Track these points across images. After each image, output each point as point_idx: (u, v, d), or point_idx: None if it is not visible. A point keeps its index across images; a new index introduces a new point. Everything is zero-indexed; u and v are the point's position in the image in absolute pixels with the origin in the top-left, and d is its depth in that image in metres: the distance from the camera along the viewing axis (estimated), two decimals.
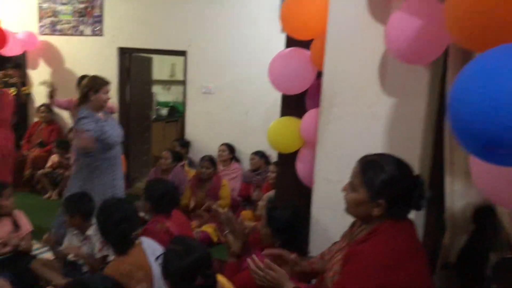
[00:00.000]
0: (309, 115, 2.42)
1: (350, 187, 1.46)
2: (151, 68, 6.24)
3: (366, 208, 1.42)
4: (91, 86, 2.99)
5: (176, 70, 7.40)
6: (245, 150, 4.75)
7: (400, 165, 1.41)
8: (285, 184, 2.66)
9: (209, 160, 4.01)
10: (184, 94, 5.15)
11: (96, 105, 2.99)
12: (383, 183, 1.37)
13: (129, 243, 2.02)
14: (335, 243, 1.73)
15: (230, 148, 4.62)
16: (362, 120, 2.06)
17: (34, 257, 2.80)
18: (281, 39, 4.30)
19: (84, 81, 3.10)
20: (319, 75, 2.46)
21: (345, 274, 1.40)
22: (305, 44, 2.52)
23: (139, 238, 2.11)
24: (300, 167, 2.52)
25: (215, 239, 3.66)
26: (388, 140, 2.05)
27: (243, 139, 4.79)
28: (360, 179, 1.42)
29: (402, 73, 1.98)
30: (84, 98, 3.00)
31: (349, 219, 1.62)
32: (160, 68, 7.05)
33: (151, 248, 2.09)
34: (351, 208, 1.48)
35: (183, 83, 5.40)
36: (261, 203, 2.77)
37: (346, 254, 1.44)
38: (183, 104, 5.22)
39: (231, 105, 4.87)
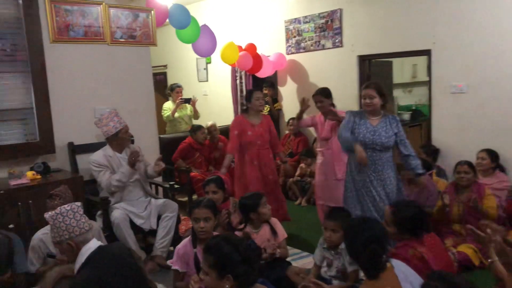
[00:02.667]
0: None
1: None
2: (392, 72, 6.02)
3: None
4: None
5: (418, 70, 6.91)
6: (510, 158, 3.98)
7: None
8: None
9: (467, 164, 3.50)
10: (429, 95, 4.71)
11: None
12: None
13: (380, 266, 1.88)
14: None
15: (492, 155, 3.93)
16: None
17: (290, 263, 2.99)
18: None
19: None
20: None
21: None
22: None
23: (389, 260, 1.96)
24: None
25: (476, 262, 3.14)
26: None
27: (507, 145, 4.02)
28: None
29: None
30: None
31: None
32: (401, 70, 6.72)
33: (403, 274, 1.90)
34: None
35: (426, 83, 4.95)
36: None
37: None
38: (428, 106, 4.79)
39: (488, 105, 4.16)
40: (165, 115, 5.84)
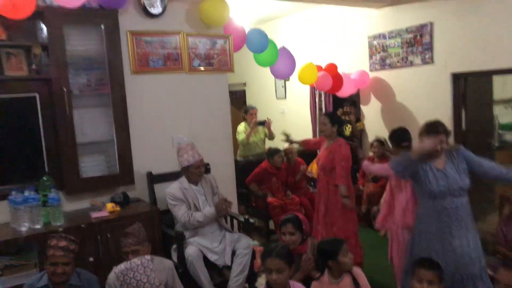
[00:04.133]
0: None
1: None
2: (492, 88, 5.37)
3: None
4: None
5: None
6: None
7: None
8: None
9: None
10: None
11: None
12: None
13: None
14: None
15: None
16: None
17: None
18: None
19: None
20: None
21: None
22: None
23: None
24: None
25: None
26: None
27: None
28: None
29: None
30: None
31: None
32: (503, 84, 5.96)
33: None
34: None
35: None
36: None
37: None
38: None
39: None
40: (240, 138, 5.65)
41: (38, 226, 3.00)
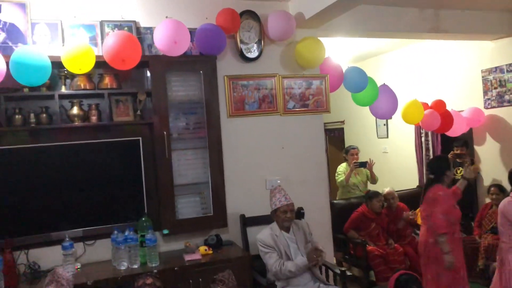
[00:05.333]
0: None
1: None
2: None
3: None
4: None
5: None
6: None
7: None
8: None
9: None
10: None
11: None
12: None
13: None
14: None
15: None
16: None
17: None
18: None
19: None
20: None
21: None
22: None
23: None
24: None
25: None
26: None
27: None
28: None
29: None
30: None
31: None
32: None
33: None
34: None
35: None
36: None
37: None
38: None
39: None
40: (339, 180, 5.35)
41: (135, 266, 3.09)
